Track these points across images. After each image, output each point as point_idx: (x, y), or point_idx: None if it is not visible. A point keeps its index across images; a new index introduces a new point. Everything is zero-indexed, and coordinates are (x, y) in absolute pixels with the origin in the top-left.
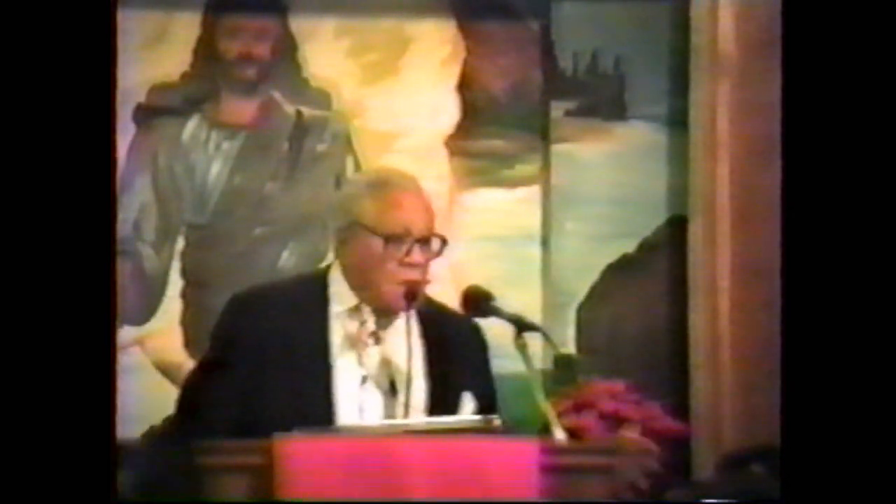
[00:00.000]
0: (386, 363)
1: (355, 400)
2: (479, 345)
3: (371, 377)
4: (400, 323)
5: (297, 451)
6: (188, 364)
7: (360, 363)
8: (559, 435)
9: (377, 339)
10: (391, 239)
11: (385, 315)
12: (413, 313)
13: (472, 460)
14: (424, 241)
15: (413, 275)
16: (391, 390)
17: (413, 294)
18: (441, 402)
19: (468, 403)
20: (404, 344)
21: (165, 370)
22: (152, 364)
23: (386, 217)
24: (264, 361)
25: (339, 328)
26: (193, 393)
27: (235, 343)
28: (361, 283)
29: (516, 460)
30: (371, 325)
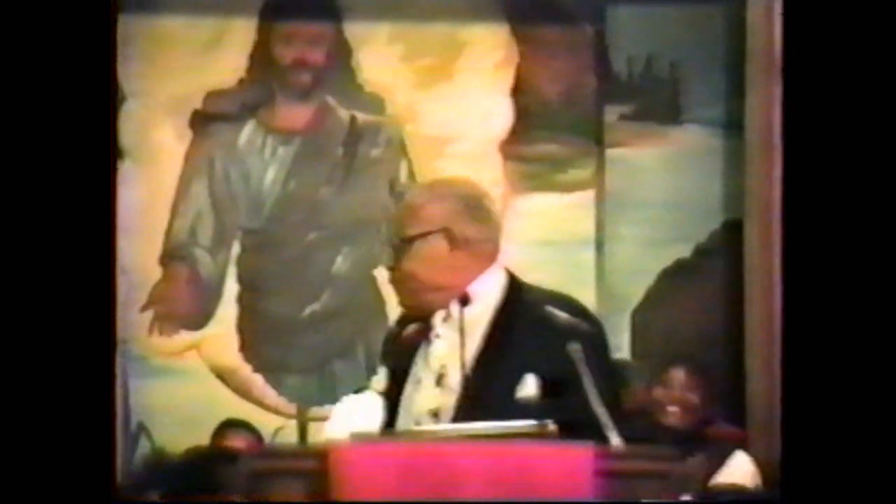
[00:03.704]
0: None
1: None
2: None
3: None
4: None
5: (352, 455)
6: (244, 368)
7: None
8: (615, 440)
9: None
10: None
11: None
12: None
13: (527, 465)
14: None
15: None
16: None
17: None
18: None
19: (530, 384)
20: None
21: (221, 374)
22: (209, 368)
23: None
24: None
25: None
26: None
27: None
28: None
29: (571, 465)
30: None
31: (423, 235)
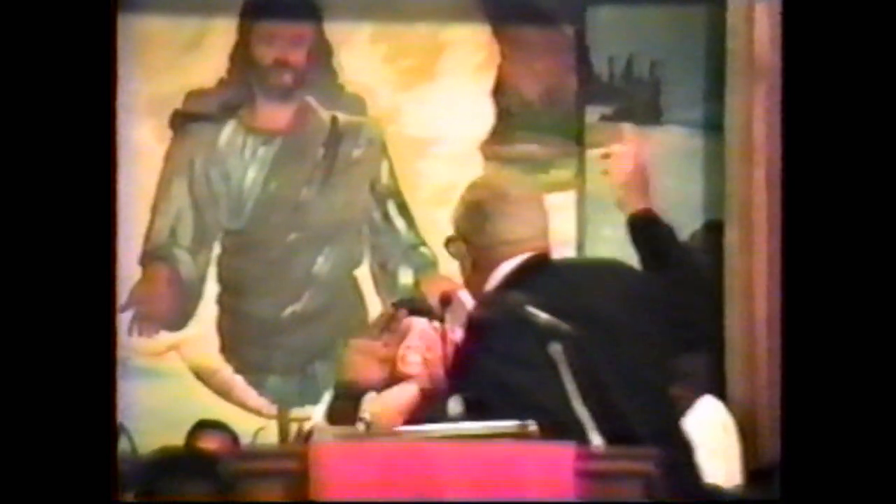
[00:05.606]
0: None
1: None
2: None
3: None
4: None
5: (332, 456)
6: (225, 369)
7: None
8: (596, 440)
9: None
10: None
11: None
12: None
13: (508, 465)
14: None
15: None
16: None
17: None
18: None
19: (454, 407)
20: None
21: (202, 375)
22: (189, 369)
23: None
24: None
25: None
26: None
27: None
28: None
29: (553, 466)
30: None
31: (447, 242)
